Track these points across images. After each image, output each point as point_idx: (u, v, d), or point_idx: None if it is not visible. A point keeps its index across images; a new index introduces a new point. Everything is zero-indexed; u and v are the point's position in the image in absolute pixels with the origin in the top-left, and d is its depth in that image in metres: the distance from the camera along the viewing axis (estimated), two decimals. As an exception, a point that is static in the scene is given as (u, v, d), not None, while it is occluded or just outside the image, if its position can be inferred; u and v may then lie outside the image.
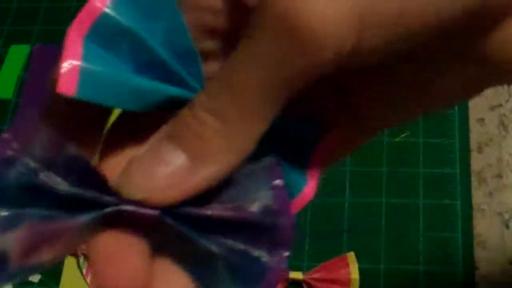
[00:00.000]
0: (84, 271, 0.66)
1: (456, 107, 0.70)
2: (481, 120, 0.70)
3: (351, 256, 0.62)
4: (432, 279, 0.63)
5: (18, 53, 0.79)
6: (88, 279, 0.66)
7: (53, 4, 0.81)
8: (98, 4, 0.22)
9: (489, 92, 0.71)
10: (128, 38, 0.22)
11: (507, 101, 0.70)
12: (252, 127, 0.21)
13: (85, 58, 0.23)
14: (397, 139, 0.70)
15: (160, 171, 0.21)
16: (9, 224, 0.21)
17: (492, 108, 0.70)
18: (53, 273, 0.67)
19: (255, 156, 0.22)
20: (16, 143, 0.22)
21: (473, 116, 0.70)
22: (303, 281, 0.62)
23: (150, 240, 0.22)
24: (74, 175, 0.21)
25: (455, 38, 0.21)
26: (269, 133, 0.21)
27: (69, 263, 0.68)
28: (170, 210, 0.21)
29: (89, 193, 0.21)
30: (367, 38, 0.19)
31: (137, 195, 0.21)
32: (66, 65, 0.22)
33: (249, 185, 0.22)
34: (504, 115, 0.70)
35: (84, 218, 0.21)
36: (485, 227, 0.65)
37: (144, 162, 0.21)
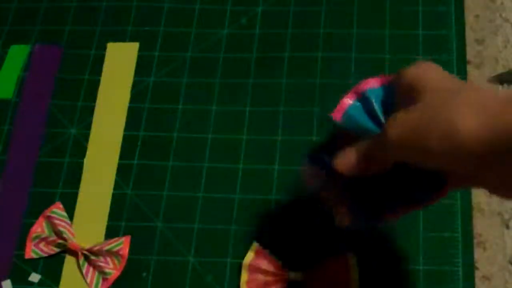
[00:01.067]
0: (84, 271, 0.66)
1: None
2: (481, 120, 0.70)
3: (350, 256, 0.62)
4: (432, 279, 0.63)
5: (18, 53, 0.79)
6: (88, 279, 0.66)
7: (53, 4, 0.81)
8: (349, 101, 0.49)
9: (489, 92, 0.71)
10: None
11: (507, 101, 0.70)
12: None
13: (349, 106, 0.48)
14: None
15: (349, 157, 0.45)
16: None
17: (492, 108, 0.70)
18: (53, 273, 0.67)
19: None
20: None
21: (473, 116, 0.70)
22: (303, 281, 0.62)
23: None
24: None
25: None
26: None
27: (69, 263, 0.68)
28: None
29: None
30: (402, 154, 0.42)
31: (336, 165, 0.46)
32: (344, 101, 0.48)
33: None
34: (504, 115, 0.70)
35: None
36: (485, 227, 0.65)
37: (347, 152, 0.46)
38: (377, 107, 0.46)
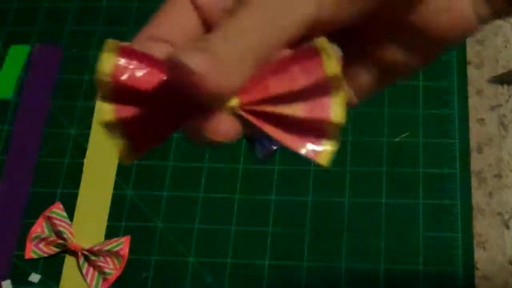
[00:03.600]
0: (84, 271, 0.66)
1: (456, 107, 0.70)
2: (481, 120, 0.70)
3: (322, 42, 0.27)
4: (432, 279, 0.63)
5: (18, 53, 0.79)
6: (88, 279, 0.66)
7: (53, 4, 0.81)
8: None
9: (489, 92, 0.71)
10: None
11: (507, 101, 0.70)
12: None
13: None
14: (397, 139, 0.70)
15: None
16: None
17: (492, 108, 0.70)
18: (53, 273, 0.67)
19: None
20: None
21: (473, 116, 0.70)
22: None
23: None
24: None
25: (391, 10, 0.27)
26: None
27: (69, 263, 0.68)
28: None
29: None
30: (325, 10, 0.26)
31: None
32: None
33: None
34: (504, 115, 0.70)
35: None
36: (485, 227, 0.65)
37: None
38: None
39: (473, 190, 0.66)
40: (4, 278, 0.67)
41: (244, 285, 0.65)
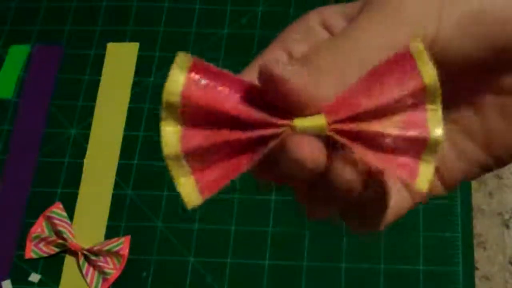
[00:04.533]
0: (84, 271, 0.66)
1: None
2: (481, 120, 0.70)
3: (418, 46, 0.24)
4: (432, 279, 0.63)
5: (18, 53, 0.79)
6: (88, 279, 0.66)
7: (53, 4, 0.81)
8: None
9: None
10: None
11: (507, 101, 0.70)
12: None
13: None
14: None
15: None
16: None
17: (492, 108, 0.70)
18: (53, 273, 0.67)
19: None
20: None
21: (473, 116, 0.70)
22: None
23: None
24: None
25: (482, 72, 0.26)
26: None
27: (69, 263, 0.68)
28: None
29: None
30: (446, 34, 0.24)
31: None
32: None
33: None
34: (504, 115, 0.70)
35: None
36: (485, 227, 0.65)
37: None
38: None
39: (473, 190, 0.66)
40: (4, 278, 0.67)
41: (244, 285, 0.65)
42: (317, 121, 0.22)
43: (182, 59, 0.23)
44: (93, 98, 0.75)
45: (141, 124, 0.73)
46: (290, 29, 0.28)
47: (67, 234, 0.67)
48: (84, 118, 0.74)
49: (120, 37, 0.78)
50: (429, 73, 0.22)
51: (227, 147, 0.23)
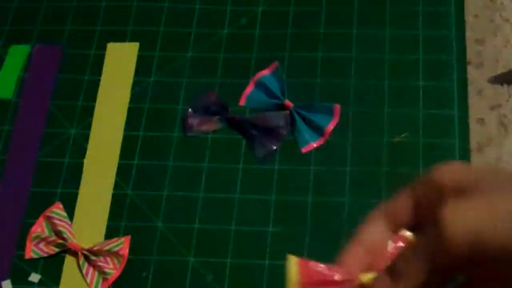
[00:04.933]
0: (84, 271, 0.66)
1: (456, 107, 0.71)
2: (481, 120, 0.70)
3: None
4: None
5: (18, 53, 0.79)
6: (88, 279, 0.66)
7: (53, 4, 0.81)
8: None
9: (489, 92, 0.71)
10: None
11: (507, 101, 0.70)
12: None
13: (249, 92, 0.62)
14: (397, 139, 0.70)
15: None
16: None
17: (492, 108, 0.70)
18: (53, 273, 0.67)
19: None
20: None
21: (473, 116, 0.70)
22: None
23: None
24: None
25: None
26: None
27: (69, 263, 0.68)
28: None
29: None
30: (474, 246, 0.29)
31: None
32: (245, 91, 0.56)
33: None
34: (504, 115, 0.70)
35: None
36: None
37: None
38: (269, 85, 0.70)
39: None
40: (4, 278, 0.67)
41: (244, 285, 0.65)
42: None
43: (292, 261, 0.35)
44: (93, 98, 0.75)
45: (141, 124, 0.73)
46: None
47: (67, 234, 0.67)
48: (84, 118, 0.74)
49: (120, 37, 0.78)
50: None
51: None
